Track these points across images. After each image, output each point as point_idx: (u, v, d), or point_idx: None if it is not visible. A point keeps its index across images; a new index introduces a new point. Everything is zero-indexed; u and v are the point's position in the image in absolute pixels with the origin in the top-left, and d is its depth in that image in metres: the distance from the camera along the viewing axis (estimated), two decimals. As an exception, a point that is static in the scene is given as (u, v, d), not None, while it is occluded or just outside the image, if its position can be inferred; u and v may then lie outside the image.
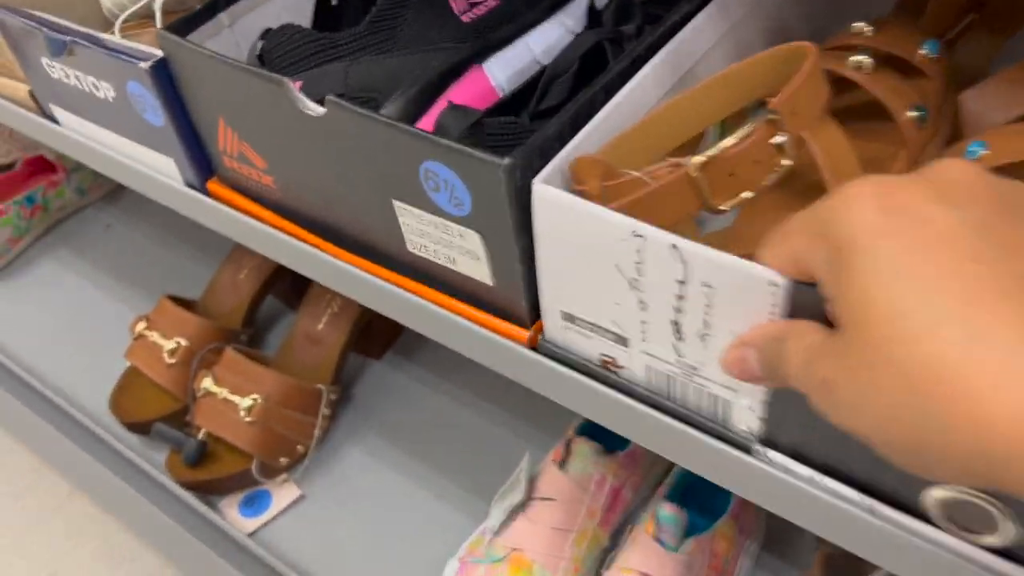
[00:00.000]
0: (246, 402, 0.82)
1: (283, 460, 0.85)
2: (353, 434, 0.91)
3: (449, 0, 0.59)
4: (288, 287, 1.00)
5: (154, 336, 0.90)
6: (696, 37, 0.50)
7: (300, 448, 0.86)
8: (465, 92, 0.57)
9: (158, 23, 0.62)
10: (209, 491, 0.85)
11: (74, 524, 1.09)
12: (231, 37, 0.58)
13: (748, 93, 0.45)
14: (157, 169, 0.63)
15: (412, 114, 0.55)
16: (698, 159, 0.38)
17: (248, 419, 0.82)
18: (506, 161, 0.40)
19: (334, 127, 0.48)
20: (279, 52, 0.55)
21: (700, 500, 0.73)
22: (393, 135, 0.45)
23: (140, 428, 0.89)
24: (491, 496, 0.81)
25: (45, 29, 0.60)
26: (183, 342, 0.89)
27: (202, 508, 0.84)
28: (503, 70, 0.58)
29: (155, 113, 0.58)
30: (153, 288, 1.11)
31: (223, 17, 0.57)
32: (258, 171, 0.56)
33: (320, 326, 0.92)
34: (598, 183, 0.41)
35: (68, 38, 0.59)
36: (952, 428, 0.24)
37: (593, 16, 0.60)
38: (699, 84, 0.45)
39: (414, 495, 0.85)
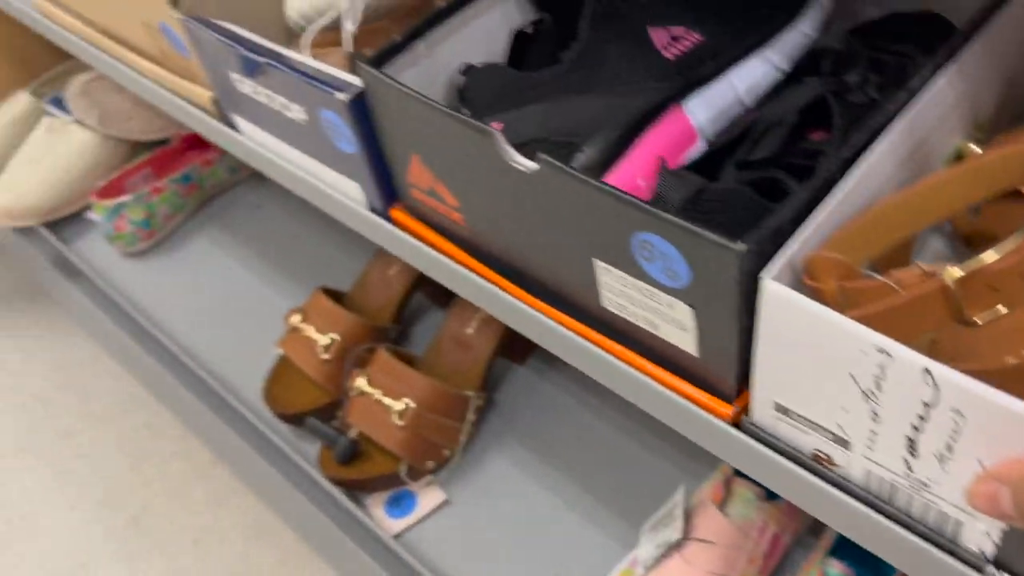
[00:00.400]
0: (398, 406, 0.83)
1: (430, 463, 0.86)
2: (497, 441, 0.91)
3: (651, 35, 0.56)
4: (437, 286, 1.00)
5: (309, 331, 0.92)
6: (935, 104, 0.46)
7: (446, 452, 0.87)
8: (664, 133, 0.55)
9: (346, 43, 0.62)
10: (357, 489, 0.87)
11: (217, 493, 1.14)
12: (429, 67, 0.57)
13: (996, 184, 0.41)
14: (341, 190, 0.63)
15: (610, 158, 0.53)
16: (957, 272, 0.35)
17: (400, 423, 0.83)
18: (741, 247, 0.38)
19: (543, 184, 0.46)
20: (480, 91, 0.54)
21: (861, 552, 0.70)
22: (608, 202, 0.43)
23: (291, 419, 0.92)
24: (637, 520, 0.80)
25: (239, 48, 0.60)
26: (337, 338, 0.91)
27: (350, 505, 0.86)
28: (704, 110, 0.55)
29: (347, 141, 0.58)
30: (299, 272, 1.13)
31: (421, 46, 0.56)
32: (448, 207, 0.56)
33: (469, 331, 0.92)
34: (835, 283, 0.38)
35: (263, 59, 0.59)
36: None
37: (808, 55, 0.57)
38: (943, 173, 0.41)
39: (557, 509, 0.85)
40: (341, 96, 0.54)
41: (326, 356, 0.90)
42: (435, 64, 0.58)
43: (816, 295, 0.38)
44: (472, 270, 0.57)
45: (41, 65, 1.34)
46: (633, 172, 0.53)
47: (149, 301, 1.15)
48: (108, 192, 1.16)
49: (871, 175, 0.43)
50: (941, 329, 0.38)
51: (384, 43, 0.55)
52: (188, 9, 0.66)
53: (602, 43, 0.55)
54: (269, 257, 1.16)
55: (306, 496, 0.88)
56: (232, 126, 0.71)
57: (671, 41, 0.56)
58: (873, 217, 0.41)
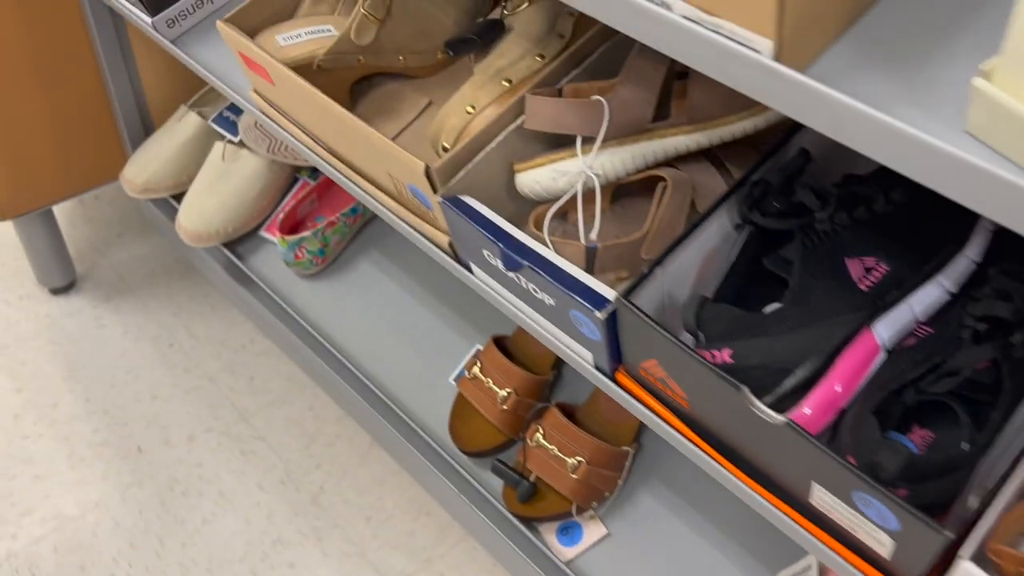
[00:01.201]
0: (572, 461, 1.01)
1: (594, 503, 1.04)
2: (647, 481, 1.09)
3: (848, 267, 0.70)
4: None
5: (489, 383, 1.08)
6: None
7: (607, 494, 1.05)
8: (857, 352, 0.69)
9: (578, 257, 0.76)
10: (532, 521, 1.06)
11: (380, 475, 1.33)
12: (660, 285, 0.71)
13: None
14: (572, 348, 0.78)
15: (815, 377, 0.68)
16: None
17: (574, 476, 1.01)
18: (949, 535, 0.54)
19: (783, 433, 0.62)
20: (713, 323, 0.68)
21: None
22: (839, 468, 0.58)
23: (474, 455, 1.10)
24: (773, 569, 0.99)
25: (502, 246, 0.74)
26: (512, 393, 1.07)
27: (529, 533, 1.05)
28: (888, 330, 0.69)
29: (592, 333, 0.72)
30: (456, 297, 1.29)
31: (657, 271, 0.70)
32: (677, 395, 0.71)
33: (625, 388, 1.08)
34: (1014, 569, 0.54)
35: (525, 262, 0.73)
36: None
37: (975, 275, 0.70)
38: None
39: (701, 551, 1.04)
40: (599, 315, 0.69)
41: (504, 407, 1.08)
42: (665, 282, 0.72)
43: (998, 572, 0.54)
44: (692, 442, 0.72)
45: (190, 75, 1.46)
46: (832, 382, 0.68)
47: (317, 312, 1.32)
48: (288, 225, 1.30)
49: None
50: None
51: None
52: (445, 190, 0.79)
53: (810, 280, 0.69)
54: (431, 284, 1.32)
55: (488, 518, 1.08)
56: (467, 268, 0.86)
57: (864, 273, 0.70)
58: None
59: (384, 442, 1.30)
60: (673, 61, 0.78)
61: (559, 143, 0.84)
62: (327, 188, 1.36)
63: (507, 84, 0.88)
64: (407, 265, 1.33)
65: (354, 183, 0.93)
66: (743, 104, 0.76)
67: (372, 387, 1.22)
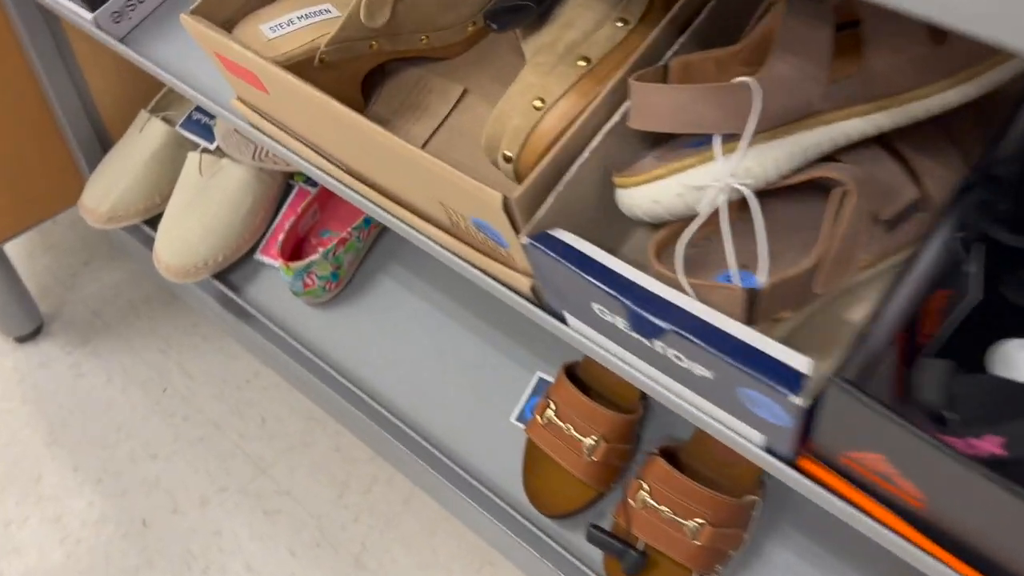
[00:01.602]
0: (691, 525, 0.81)
1: (718, 567, 0.85)
2: (775, 528, 0.89)
3: None
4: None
5: (569, 430, 0.88)
6: None
7: (732, 553, 0.85)
8: None
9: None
10: (644, 594, 0.86)
11: (430, 522, 1.13)
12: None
13: None
14: (728, 425, 0.58)
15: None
16: None
17: (695, 542, 0.81)
18: None
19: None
20: (969, 401, 0.47)
21: None
22: None
23: (561, 517, 0.90)
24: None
25: (630, 303, 0.53)
26: (602, 441, 0.87)
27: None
28: None
29: (775, 416, 0.52)
30: (504, 314, 1.07)
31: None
32: (904, 493, 0.50)
33: (739, 419, 0.88)
34: None
35: (670, 327, 0.52)
36: None
37: None
38: None
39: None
40: (796, 400, 0.48)
41: (593, 458, 0.87)
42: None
43: None
44: (931, 553, 0.52)
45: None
46: None
47: (334, 343, 1.10)
48: (290, 248, 1.08)
49: None
50: None
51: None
52: (532, 227, 0.57)
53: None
54: (464, 297, 1.10)
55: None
56: (557, 317, 0.64)
57: None
58: None
59: (430, 489, 1.10)
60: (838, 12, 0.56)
61: (659, 140, 0.63)
62: (330, 194, 1.13)
63: (584, 64, 0.65)
64: (437, 278, 1.12)
65: (390, 214, 0.71)
66: (944, 69, 0.54)
67: (409, 431, 1.01)
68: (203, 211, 1.09)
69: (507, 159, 0.67)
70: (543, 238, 0.57)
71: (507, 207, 0.56)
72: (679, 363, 0.54)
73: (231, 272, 1.16)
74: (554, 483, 0.90)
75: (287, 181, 1.18)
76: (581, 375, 0.94)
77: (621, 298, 0.53)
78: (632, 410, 0.90)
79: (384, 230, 1.15)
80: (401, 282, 1.12)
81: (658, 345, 0.54)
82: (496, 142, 0.68)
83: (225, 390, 1.30)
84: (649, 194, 0.57)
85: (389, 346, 1.08)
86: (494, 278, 0.67)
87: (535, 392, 1.00)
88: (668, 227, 0.60)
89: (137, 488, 1.22)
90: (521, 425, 0.98)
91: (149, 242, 1.17)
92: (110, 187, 1.14)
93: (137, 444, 1.26)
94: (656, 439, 0.94)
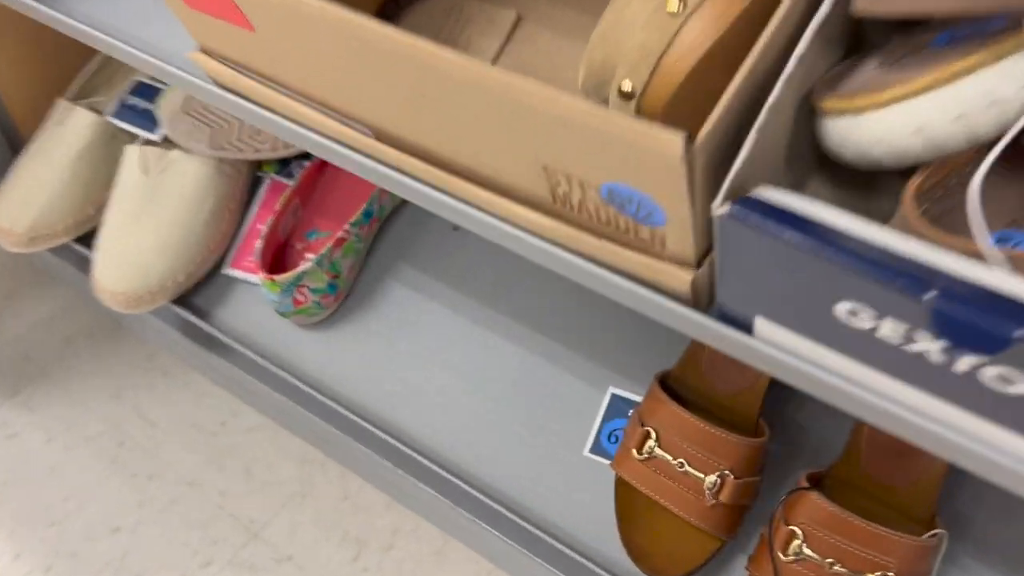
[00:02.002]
0: (869, 579, 0.60)
1: (898, 628, 0.64)
2: (955, 561, 0.69)
3: None
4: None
5: (683, 465, 0.66)
6: None
7: (912, 606, 0.65)
8: None
9: None
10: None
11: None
12: None
13: None
14: (987, 442, 0.36)
15: None
16: None
17: (876, 602, 0.60)
18: None
19: None
20: None
21: None
22: None
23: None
24: None
25: (950, 304, 0.31)
26: (730, 476, 0.65)
27: None
28: None
29: None
30: (549, 316, 0.85)
31: None
32: None
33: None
34: None
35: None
36: None
37: None
38: None
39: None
40: None
41: (719, 499, 0.66)
42: None
43: None
44: None
45: (63, 57, 0.96)
46: None
47: (334, 372, 0.87)
48: (270, 257, 0.84)
49: None
50: None
51: None
52: (732, 188, 0.35)
53: None
54: (492, 299, 0.87)
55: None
56: (736, 323, 0.42)
57: None
58: None
59: (471, 539, 0.88)
60: None
61: (856, 46, 0.41)
62: (312, 183, 0.90)
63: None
64: (464, 279, 0.89)
65: (452, 195, 0.48)
66: None
67: (439, 469, 0.79)
68: (153, 220, 0.85)
69: (626, 95, 0.45)
70: (753, 205, 0.35)
71: (689, 158, 0.34)
72: (1001, 387, 0.33)
73: (195, 294, 0.92)
74: (666, 536, 0.68)
75: (255, 173, 0.94)
76: (674, 385, 0.73)
77: (922, 293, 0.31)
78: (757, 431, 0.69)
79: (387, 222, 0.92)
80: (417, 287, 0.89)
81: (970, 364, 0.33)
82: (605, 71, 0.45)
83: (198, 437, 1.05)
84: (911, 119, 0.35)
85: (407, 370, 0.85)
86: (624, 274, 0.44)
87: (610, 414, 0.78)
88: (924, 170, 0.38)
89: (99, 572, 0.98)
90: (599, 459, 0.76)
91: (85, 264, 0.92)
92: (28, 199, 0.89)
93: (93, 516, 1.01)
94: (783, 465, 0.73)
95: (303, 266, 0.80)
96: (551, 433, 0.79)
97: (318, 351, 0.87)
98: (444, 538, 0.95)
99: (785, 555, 0.62)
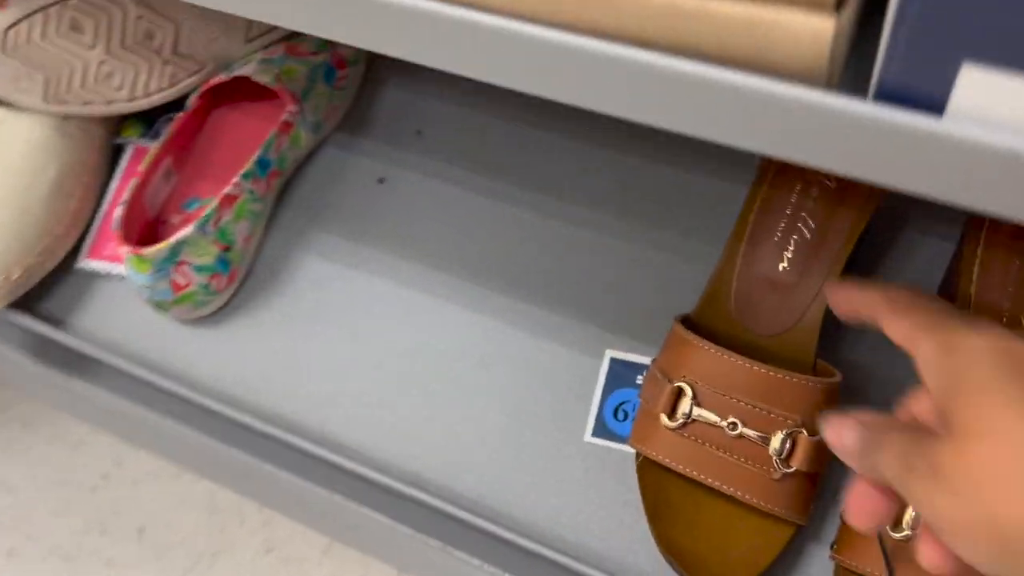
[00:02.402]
0: None
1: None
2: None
3: None
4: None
5: (740, 428, 0.47)
6: None
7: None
8: None
9: None
10: None
11: None
12: None
13: None
14: None
15: None
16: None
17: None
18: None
19: None
20: None
21: None
22: None
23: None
24: None
25: None
26: (801, 434, 0.47)
27: None
28: None
29: None
30: (503, 273, 0.66)
31: None
32: None
33: None
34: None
35: None
36: None
37: None
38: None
39: None
40: None
41: (786, 470, 0.47)
42: None
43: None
44: None
45: None
46: None
47: (244, 386, 0.66)
48: (137, 231, 0.63)
49: None
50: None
51: None
52: None
53: None
54: (428, 260, 0.68)
55: None
56: (915, 101, 0.24)
57: None
58: None
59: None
60: None
61: None
62: (187, 139, 0.69)
63: None
64: (392, 240, 0.69)
65: None
66: None
67: (402, 487, 0.59)
68: (-27, 201, 0.63)
69: None
70: None
71: None
72: None
73: (43, 296, 0.70)
74: (720, 530, 0.49)
75: (113, 139, 0.72)
76: (698, 328, 0.54)
77: None
78: (826, 371, 0.51)
79: (292, 183, 0.71)
80: (338, 259, 0.68)
81: None
82: None
83: (73, 498, 0.82)
84: None
85: (337, 366, 0.65)
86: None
87: (612, 385, 0.59)
88: None
89: None
90: (606, 443, 0.57)
91: None
92: None
93: (-65, 615, 0.77)
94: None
95: (181, 232, 0.60)
96: (538, 421, 0.60)
97: (215, 354, 0.66)
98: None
99: (899, 532, 0.44)
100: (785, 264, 0.54)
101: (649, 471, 0.51)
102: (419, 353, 0.64)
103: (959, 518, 0.29)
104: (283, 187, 0.71)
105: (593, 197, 0.67)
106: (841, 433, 0.35)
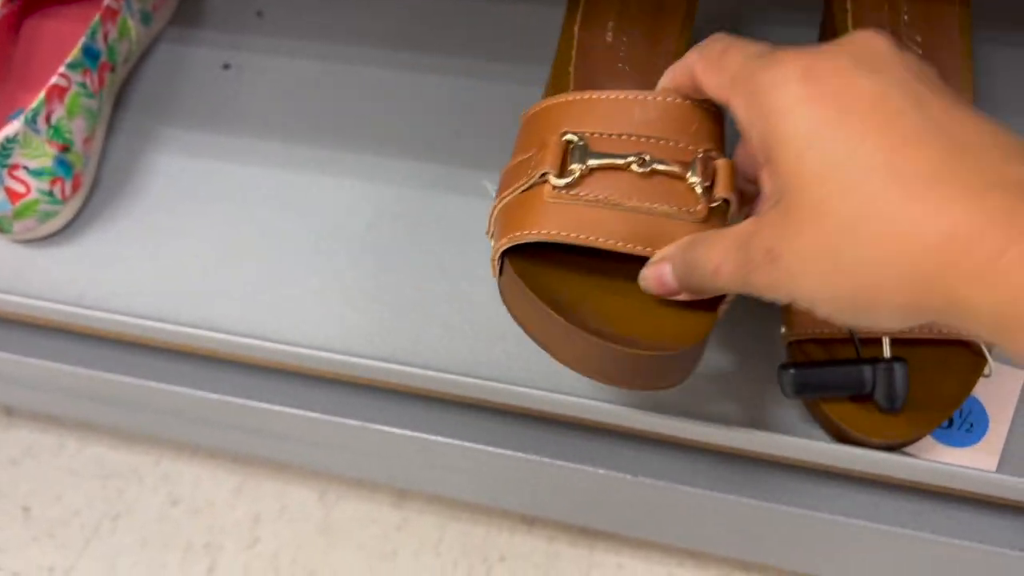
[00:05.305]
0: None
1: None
2: None
3: None
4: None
5: (653, 163, 0.41)
6: None
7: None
8: None
9: None
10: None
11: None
12: None
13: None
14: None
15: None
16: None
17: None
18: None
19: None
20: None
21: None
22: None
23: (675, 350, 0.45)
24: None
25: None
26: (714, 155, 0.43)
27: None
28: None
29: None
30: (373, 133, 0.61)
31: None
32: None
33: None
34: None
35: None
36: (886, 263, 0.27)
37: None
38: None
39: None
40: None
41: (710, 204, 0.42)
42: None
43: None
44: None
45: None
46: None
47: (115, 304, 0.59)
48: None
49: None
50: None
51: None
52: None
53: None
54: (290, 134, 0.63)
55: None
56: None
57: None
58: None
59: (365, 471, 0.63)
60: None
61: None
62: (4, 50, 0.62)
63: None
64: (250, 123, 0.64)
65: None
66: None
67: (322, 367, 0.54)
68: None
69: None
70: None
71: None
72: None
73: None
74: (643, 308, 0.44)
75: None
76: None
77: None
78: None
79: (130, 84, 0.65)
80: (195, 152, 0.62)
81: None
82: None
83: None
84: None
85: (219, 259, 0.59)
86: None
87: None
88: None
89: None
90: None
91: None
92: None
93: None
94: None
95: (8, 128, 0.53)
96: (440, 271, 0.56)
97: (76, 274, 0.59)
98: (328, 483, 0.70)
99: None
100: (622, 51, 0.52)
101: (529, 274, 0.43)
102: (300, 230, 0.59)
103: (816, 297, 0.30)
104: (121, 88, 0.64)
105: (439, 44, 0.64)
106: (662, 280, 0.38)
